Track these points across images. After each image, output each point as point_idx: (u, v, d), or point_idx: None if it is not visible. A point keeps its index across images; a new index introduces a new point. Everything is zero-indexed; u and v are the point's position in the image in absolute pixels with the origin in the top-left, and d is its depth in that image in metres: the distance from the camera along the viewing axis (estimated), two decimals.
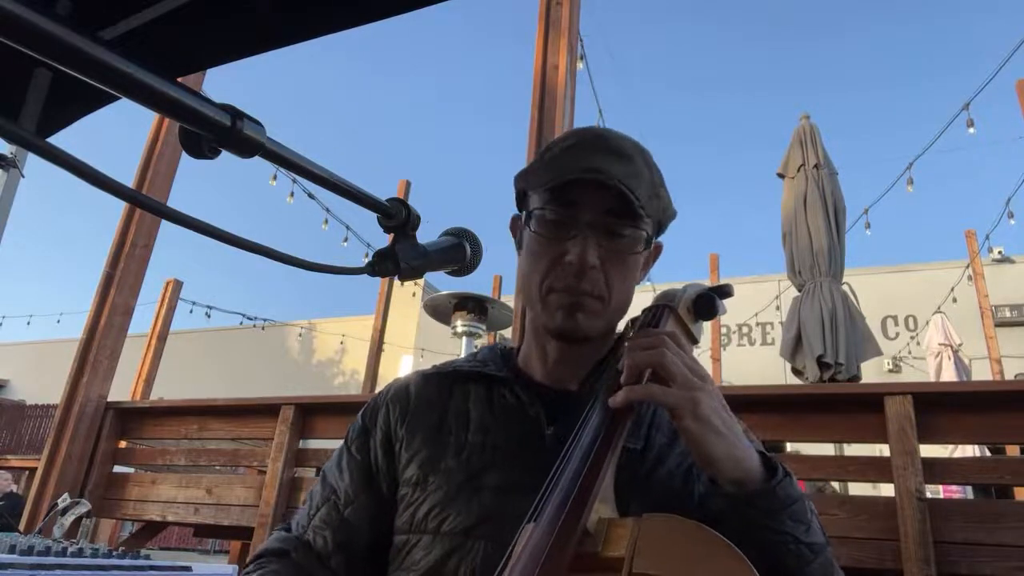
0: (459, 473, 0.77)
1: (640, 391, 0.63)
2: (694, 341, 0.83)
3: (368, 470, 0.84)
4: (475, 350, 0.95)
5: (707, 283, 0.84)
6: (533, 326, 0.85)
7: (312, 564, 0.80)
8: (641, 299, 0.83)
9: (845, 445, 4.75)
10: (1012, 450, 3.92)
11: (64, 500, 2.69)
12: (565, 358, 0.83)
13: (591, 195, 0.75)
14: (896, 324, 11.80)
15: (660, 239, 0.86)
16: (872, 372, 8.26)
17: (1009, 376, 8.65)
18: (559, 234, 0.77)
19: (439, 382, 0.87)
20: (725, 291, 0.83)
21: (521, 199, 0.85)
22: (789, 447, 5.13)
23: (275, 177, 7.84)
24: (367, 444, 0.86)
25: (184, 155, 0.48)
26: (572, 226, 0.76)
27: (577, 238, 0.76)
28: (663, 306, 0.80)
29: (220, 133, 0.43)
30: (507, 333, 6.23)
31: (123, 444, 3.94)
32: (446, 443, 0.80)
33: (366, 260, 0.65)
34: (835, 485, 4.81)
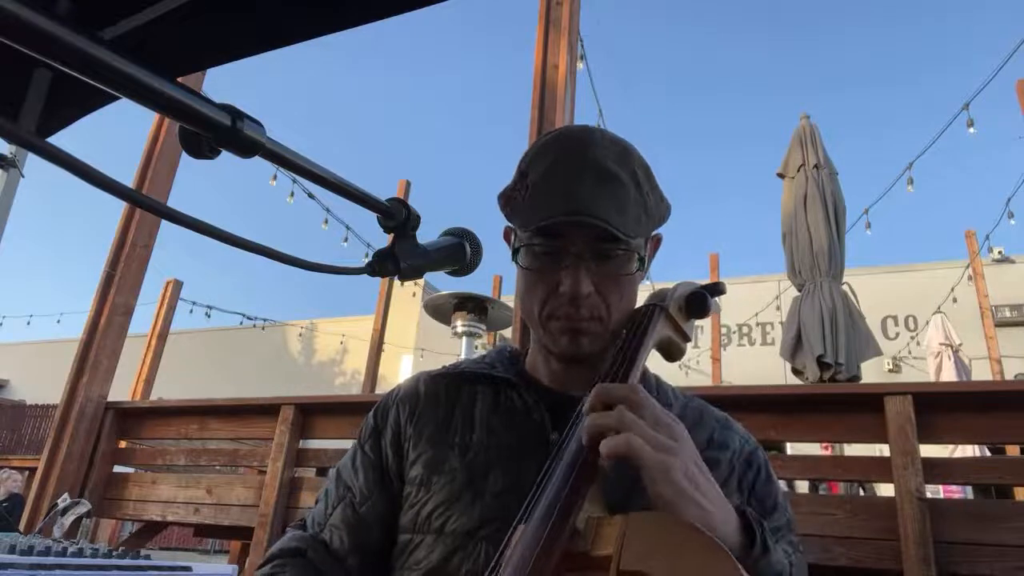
0: (463, 474, 0.77)
1: (615, 444, 0.57)
2: (687, 340, 0.83)
3: (381, 468, 0.85)
4: (484, 352, 0.95)
5: (700, 282, 0.85)
6: (537, 343, 0.86)
7: (328, 564, 0.80)
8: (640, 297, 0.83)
9: (845, 445, 4.75)
10: (1012, 450, 3.92)
11: (64, 500, 2.69)
12: (568, 369, 0.83)
13: (576, 227, 0.74)
14: (896, 324, 11.81)
15: (660, 230, 0.86)
16: (872, 372, 8.26)
17: (1009, 376, 8.64)
18: (550, 264, 0.77)
19: (448, 383, 0.88)
20: (717, 289, 0.84)
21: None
22: (796, 447, 5.13)
23: (275, 177, 7.84)
24: (379, 443, 0.86)
25: (184, 155, 0.48)
26: (562, 256, 0.76)
27: (569, 268, 0.75)
28: (655, 306, 0.80)
29: (220, 133, 0.43)
30: (507, 333, 6.23)
31: (123, 444, 3.94)
32: (451, 444, 0.80)
33: (366, 260, 0.65)
34: (841, 485, 4.81)
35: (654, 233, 0.85)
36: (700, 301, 0.81)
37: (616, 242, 0.75)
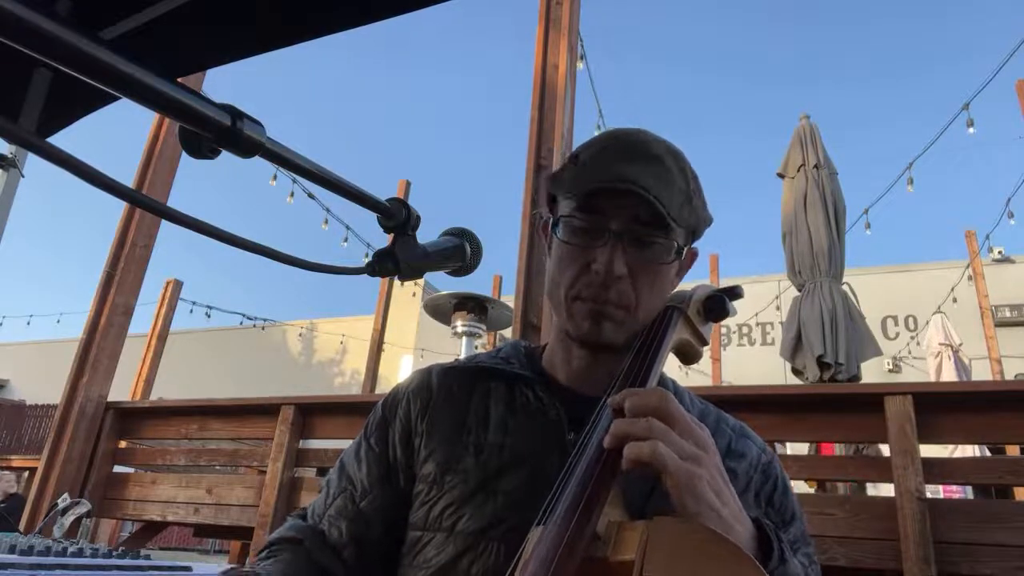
0: (476, 473, 0.76)
1: (639, 449, 0.57)
2: (704, 343, 0.83)
3: (386, 462, 0.83)
4: (499, 346, 0.93)
5: (709, 283, 0.84)
6: (558, 330, 0.84)
7: (325, 555, 0.79)
8: None
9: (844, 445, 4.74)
10: (1012, 450, 3.92)
11: (64, 500, 2.69)
12: (589, 364, 0.81)
13: (619, 203, 0.73)
14: (896, 324, 11.81)
15: (696, 245, 0.84)
16: (872, 372, 8.26)
17: (1009, 376, 8.65)
18: (587, 242, 0.76)
19: (461, 377, 0.86)
20: (735, 292, 0.83)
21: (551, 202, 0.84)
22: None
23: (275, 177, 7.84)
24: (386, 436, 0.85)
25: (184, 155, 0.48)
26: (600, 234, 0.75)
27: (605, 247, 0.74)
28: (673, 308, 0.79)
29: (220, 133, 0.43)
30: (507, 333, 6.23)
31: (123, 444, 3.94)
32: (465, 442, 0.79)
33: (366, 260, 0.65)
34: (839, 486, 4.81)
35: (692, 246, 0.83)
36: (719, 304, 0.81)
37: (656, 228, 0.74)
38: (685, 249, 0.80)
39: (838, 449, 4.61)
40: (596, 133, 0.87)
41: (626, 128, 0.82)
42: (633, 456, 0.56)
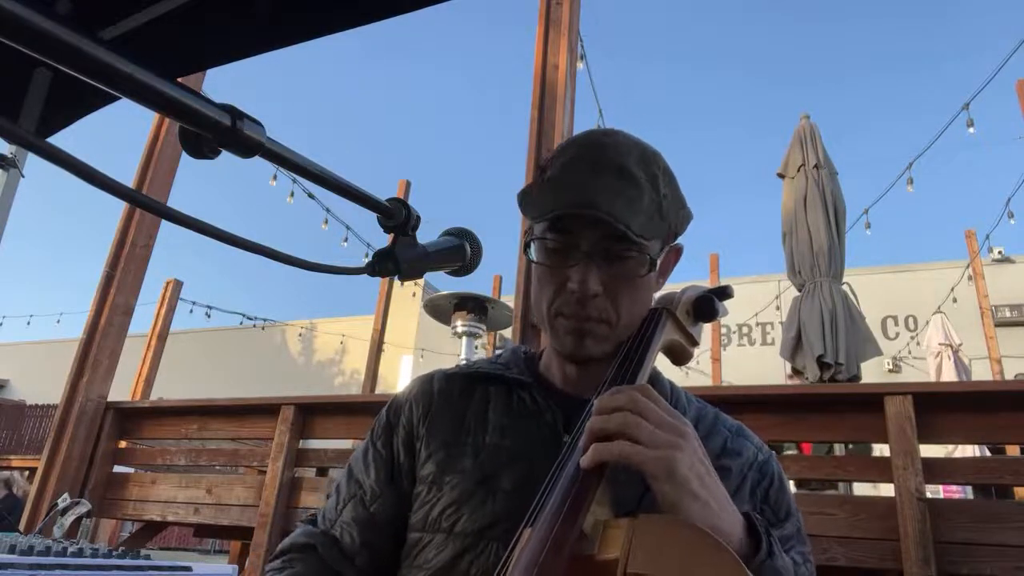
0: (474, 474, 0.77)
1: (606, 450, 0.58)
2: (694, 343, 0.83)
3: (392, 466, 0.85)
4: (499, 351, 0.96)
5: (706, 284, 0.84)
6: (549, 342, 0.86)
7: (339, 561, 0.80)
8: None
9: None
10: (1012, 450, 3.93)
11: (64, 500, 2.69)
12: (580, 373, 0.83)
13: (587, 224, 0.74)
14: (896, 324, 11.81)
15: (680, 240, 0.85)
16: (872, 372, 8.25)
17: (1009, 376, 8.65)
18: (560, 262, 0.76)
19: (461, 382, 0.88)
20: (725, 292, 0.83)
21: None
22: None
23: (275, 177, 7.84)
24: (391, 440, 0.86)
25: (184, 155, 0.48)
26: (572, 253, 0.75)
27: (578, 265, 0.74)
28: (662, 309, 0.80)
29: (220, 133, 0.43)
30: (507, 333, 6.23)
31: (123, 444, 3.94)
32: (464, 444, 0.80)
33: (366, 260, 0.65)
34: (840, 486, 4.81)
35: (674, 244, 0.84)
36: (708, 305, 0.81)
37: (627, 243, 0.74)
38: (662, 255, 0.80)
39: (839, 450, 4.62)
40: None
41: (596, 133, 0.81)
42: (600, 457, 0.58)
